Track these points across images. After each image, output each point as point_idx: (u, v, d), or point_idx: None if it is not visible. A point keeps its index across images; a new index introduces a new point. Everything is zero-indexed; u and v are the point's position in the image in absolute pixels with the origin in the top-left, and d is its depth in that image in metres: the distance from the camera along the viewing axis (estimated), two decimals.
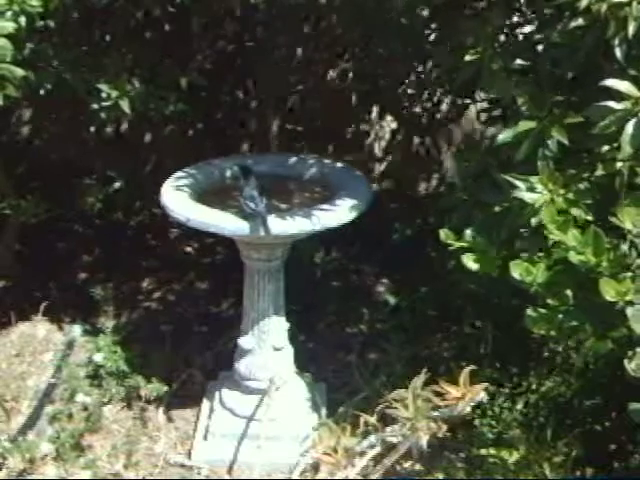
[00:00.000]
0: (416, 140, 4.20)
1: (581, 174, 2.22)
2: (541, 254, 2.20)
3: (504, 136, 2.29)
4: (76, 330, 3.50)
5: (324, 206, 2.65)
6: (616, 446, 2.66)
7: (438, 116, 3.84)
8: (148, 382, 3.11)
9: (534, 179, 2.20)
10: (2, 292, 3.65)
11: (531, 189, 2.20)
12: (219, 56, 3.77)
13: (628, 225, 2.07)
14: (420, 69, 3.48)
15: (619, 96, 2.02)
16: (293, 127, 4.02)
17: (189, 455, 2.95)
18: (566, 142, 2.20)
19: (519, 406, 2.79)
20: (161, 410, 3.13)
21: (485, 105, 2.76)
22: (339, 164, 2.96)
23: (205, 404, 3.09)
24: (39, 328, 3.54)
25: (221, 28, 3.75)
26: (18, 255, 3.74)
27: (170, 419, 3.11)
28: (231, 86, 3.83)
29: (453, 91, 3.27)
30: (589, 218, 2.18)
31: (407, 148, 4.27)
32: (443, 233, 2.39)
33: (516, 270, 2.19)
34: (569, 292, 2.14)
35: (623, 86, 2.02)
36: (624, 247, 2.07)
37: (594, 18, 2.08)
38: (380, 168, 4.32)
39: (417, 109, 3.84)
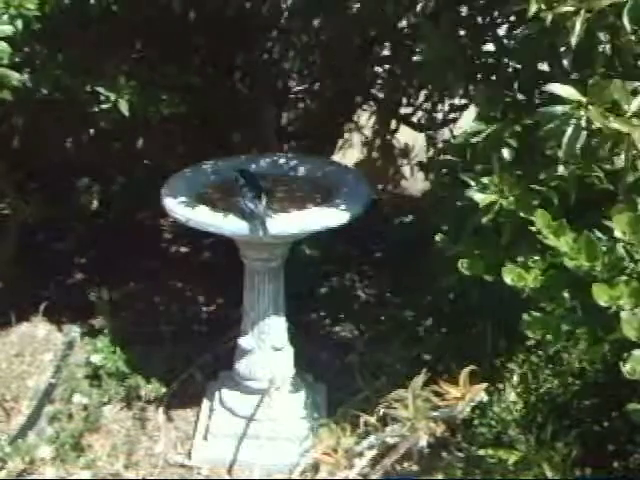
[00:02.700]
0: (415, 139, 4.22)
1: (533, 176, 2.25)
2: (536, 258, 2.22)
3: (458, 139, 2.38)
4: (76, 330, 3.50)
5: (324, 206, 2.65)
6: (616, 446, 2.67)
7: (437, 116, 3.85)
8: (148, 382, 3.11)
9: (486, 179, 2.24)
10: (2, 292, 3.65)
11: (483, 189, 2.24)
12: (218, 57, 3.77)
13: (618, 233, 2.09)
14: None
15: (561, 101, 2.05)
16: (293, 127, 4.03)
17: (189, 455, 2.95)
18: (515, 145, 2.26)
19: (518, 406, 2.79)
20: (161, 410, 3.13)
21: None
22: (339, 164, 2.97)
23: (205, 404, 3.09)
24: (39, 328, 3.55)
25: (220, 29, 3.75)
26: (18, 255, 3.74)
27: (170, 419, 3.11)
28: (230, 86, 3.83)
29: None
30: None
31: (406, 147, 4.28)
32: (438, 238, 2.41)
33: (508, 275, 2.21)
34: (566, 294, 2.15)
35: (564, 91, 2.04)
36: (620, 250, 2.08)
37: (542, 26, 2.11)
38: (380, 168, 4.33)
39: (416, 109, 3.85)
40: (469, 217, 2.35)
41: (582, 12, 2.04)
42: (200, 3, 3.45)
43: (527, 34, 2.23)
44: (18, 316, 3.54)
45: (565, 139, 2.04)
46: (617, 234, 2.09)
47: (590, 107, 2.01)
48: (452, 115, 3.79)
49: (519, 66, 2.45)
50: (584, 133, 2.03)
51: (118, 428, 3.07)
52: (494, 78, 2.49)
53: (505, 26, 2.69)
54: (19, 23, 2.59)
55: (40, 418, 3.06)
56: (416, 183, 4.35)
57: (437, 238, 2.43)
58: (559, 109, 2.04)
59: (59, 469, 2.84)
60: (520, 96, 2.41)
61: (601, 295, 2.04)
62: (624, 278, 2.07)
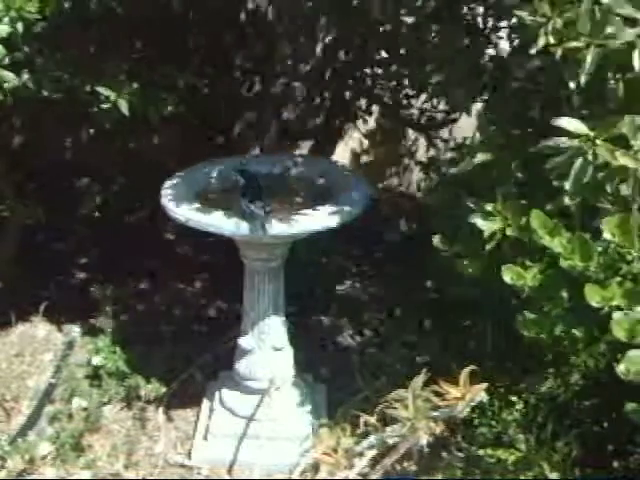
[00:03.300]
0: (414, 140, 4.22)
1: (538, 204, 2.25)
2: (534, 258, 2.22)
3: (461, 167, 2.37)
4: (76, 330, 3.50)
5: (324, 206, 2.65)
6: (616, 446, 2.67)
7: (436, 117, 3.85)
8: (148, 382, 3.12)
9: (489, 206, 2.25)
10: (2, 292, 3.65)
11: (486, 216, 2.26)
12: (218, 57, 3.78)
13: (607, 235, 2.09)
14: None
15: (569, 135, 2.04)
16: (293, 127, 4.03)
17: (189, 455, 2.96)
18: (520, 175, 2.27)
19: (518, 406, 2.79)
20: (161, 410, 3.14)
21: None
22: (339, 164, 2.98)
23: (205, 404, 3.09)
24: (39, 328, 3.55)
25: (220, 29, 3.75)
26: (18, 255, 3.74)
27: (170, 419, 3.11)
28: (230, 87, 3.84)
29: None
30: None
31: (405, 148, 4.28)
32: (436, 239, 2.42)
33: (507, 274, 2.22)
34: (564, 294, 2.16)
35: (572, 125, 2.03)
36: (613, 251, 2.09)
37: (551, 59, 2.09)
38: (379, 168, 4.33)
39: (415, 110, 3.85)
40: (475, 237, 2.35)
41: (592, 47, 2.01)
42: (200, 3, 3.45)
43: (537, 66, 2.22)
44: (18, 316, 3.54)
45: (573, 173, 2.03)
46: (606, 236, 2.10)
47: (598, 142, 2.00)
48: (452, 115, 3.79)
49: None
50: (591, 167, 2.02)
51: (118, 428, 3.07)
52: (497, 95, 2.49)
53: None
54: (20, 26, 2.59)
55: (40, 418, 3.06)
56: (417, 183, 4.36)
57: (434, 241, 2.43)
58: (567, 142, 2.03)
59: (59, 469, 2.85)
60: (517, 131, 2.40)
61: (593, 296, 2.05)
62: (618, 279, 2.07)
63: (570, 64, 2.05)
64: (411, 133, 4.25)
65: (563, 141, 2.04)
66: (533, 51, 2.08)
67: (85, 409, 3.04)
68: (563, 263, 2.12)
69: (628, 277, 2.09)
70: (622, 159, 1.98)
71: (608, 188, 2.07)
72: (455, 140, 3.99)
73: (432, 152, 4.13)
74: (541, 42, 2.06)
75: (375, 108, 4.05)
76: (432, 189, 2.91)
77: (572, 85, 2.07)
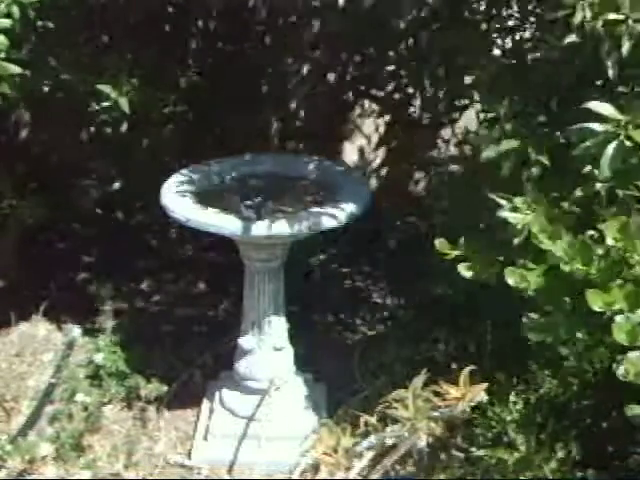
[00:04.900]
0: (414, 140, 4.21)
1: (564, 195, 2.24)
2: (535, 261, 2.21)
3: (487, 153, 2.31)
4: (76, 330, 3.49)
5: (324, 207, 2.66)
6: (615, 447, 2.67)
7: (437, 116, 3.85)
8: (148, 382, 3.11)
9: (518, 200, 2.22)
10: (2, 292, 3.66)
11: (514, 209, 2.22)
12: (218, 56, 3.78)
13: (609, 240, 2.09)
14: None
15: (601, 119, 2.02)
16: (293, 127, 4.03)
17: (189, 455, 2.96)
18: (547, 163, 2.22)
19: (519, 406, 2.79)
20: (161, 410, 3.13)
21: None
22: (339, 165, 2.98)
23: (205, 404, 3.09)
24: (39, 328, 3.55)
25: (221, 28, 3.75)
26: (18, 255, 3.74)
27: (170, 419, 3.11)
28: (230, 86, 3.83)
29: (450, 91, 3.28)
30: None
31: (405, 147, 4.27)
32: (438, 243, 2.41)
33: (511, 277, 2.21)
34: (566, 298, 2.15)
35: (605, 109, 2.02)
36: (615, 254, 2.08)
37: (588, 35, 2.07)
38: (379, 168, 4.32)
39: (416, 109, 3.85)
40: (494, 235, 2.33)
41: (630, 21, 2.00)
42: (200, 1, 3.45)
43: (571, 43, 2.16)
44: (18, 316, 3.54)
45: (605, 158, 2.00)
46: (609, 241, 2.08)
47: (629, 125, 1.98)
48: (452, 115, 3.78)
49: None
50: (622, 152, 1.99)
51: (118, 428, 3.07)
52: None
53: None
54: (15, 10, 2.56)
55: (40, 418, 3.06)
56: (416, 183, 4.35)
57: (436, 243, 2.42)
58: (597, 127, 2.01)
59: (59, 469, 2.85)
60: (543, 117, 2.37)
61: (596, 300, 2.04)
62: (619, 282, 2.07)
63: (609, 38, 2.03)
64: (412, 133, 4.24)
65: (594, 126, 2.00)
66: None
67: (86, 408, 3.04)
68: (564, 267, 2.11)
69: (628, 279, 2.08)
70: None
71: None
72: (457, 137, 4.00)
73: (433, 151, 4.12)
74: (578, 17, 2.03)
75: (376, 107, 4.04)
76: (438, 186, 2.86)
77: (610, 61, 2.05)
